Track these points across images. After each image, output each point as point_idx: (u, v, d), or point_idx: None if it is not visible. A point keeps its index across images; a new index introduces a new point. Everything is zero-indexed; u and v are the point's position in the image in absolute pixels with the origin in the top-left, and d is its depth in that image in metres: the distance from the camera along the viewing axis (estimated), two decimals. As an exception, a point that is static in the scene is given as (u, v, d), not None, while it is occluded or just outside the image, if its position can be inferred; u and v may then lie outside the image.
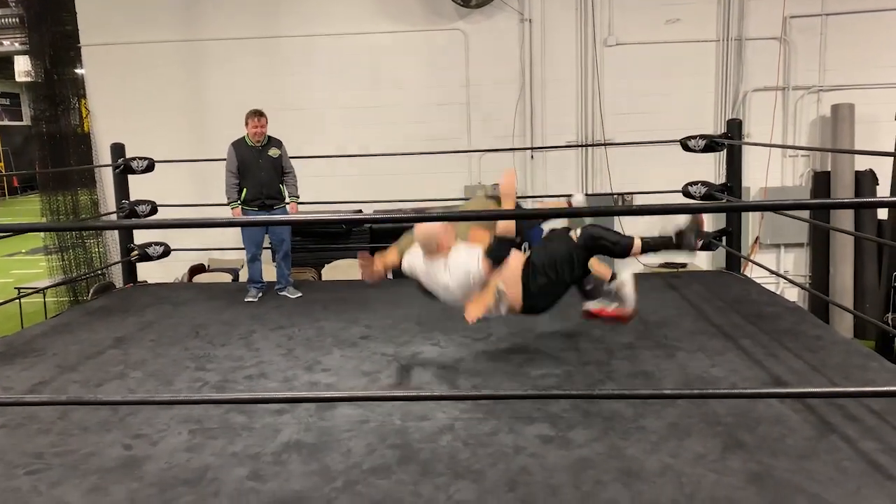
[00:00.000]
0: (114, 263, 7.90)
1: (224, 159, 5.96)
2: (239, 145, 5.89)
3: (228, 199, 5.86)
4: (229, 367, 4.26)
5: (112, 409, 3.59)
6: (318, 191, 8.09)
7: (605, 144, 8.32)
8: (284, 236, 6.07)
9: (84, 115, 9.06)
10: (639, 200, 8.11)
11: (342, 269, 8.03)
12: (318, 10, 8.63)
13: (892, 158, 7.04)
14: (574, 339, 4.51)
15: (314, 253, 8.29)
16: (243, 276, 8.18)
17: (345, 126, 8.64)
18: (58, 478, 2.97)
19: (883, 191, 7.78)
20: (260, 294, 6.01)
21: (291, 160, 6.14)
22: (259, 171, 5.84)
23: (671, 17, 8.35)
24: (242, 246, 6.21)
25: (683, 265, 8.30)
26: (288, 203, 6.03)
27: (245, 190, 5.84)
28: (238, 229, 8.53)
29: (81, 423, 3.47)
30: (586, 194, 6.00)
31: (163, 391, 3.92)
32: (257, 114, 5.86)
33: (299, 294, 5.99)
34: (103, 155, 8.46)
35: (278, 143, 6.02)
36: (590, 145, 8.48)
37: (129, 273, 6.80)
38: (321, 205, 7.66)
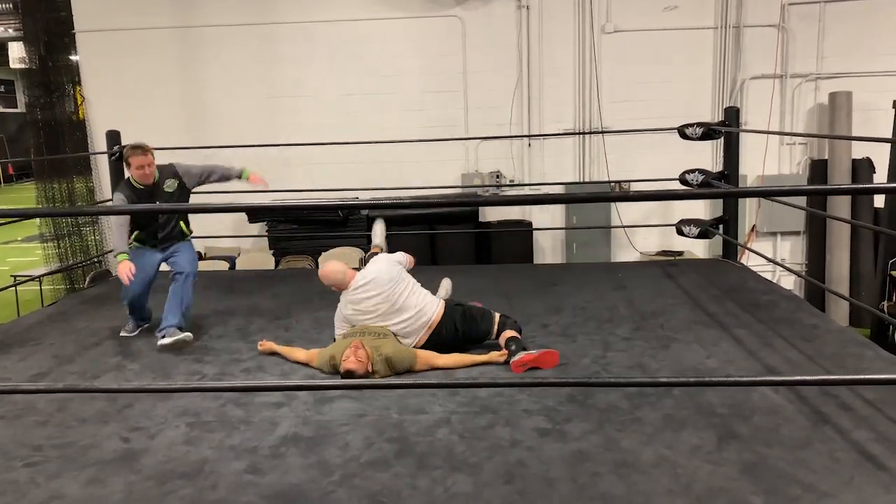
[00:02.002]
0: (110, 251, 7.87)
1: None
2: (125, 189, 4.61)
3: (115, 249, 4.48)
4: (227, 359, 4.26)
5: (110, 402, 3.60)
6: (315, 179, 8.09)
7: (602, 132, 8.30)
8: (186, 266, 4.70)
9: (79, 102, 9.00)
10: (636, 188, 8.11)
11: (340, 257, 8.04)
12: (314, -4, 8.57)
13: (889, 146, 7.04)
14: (570, 333, 4.52)
15: (311, 241, 8.29)
16: (240, 264, 8.19)
17: (341, 113, 8.60)
18: (56, 470, 2.98)
19: (880, 178, 7.78)
20: (139, 328, 4.81)
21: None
22: (156, 218, 4.67)
23: (669, 5, 8.30)
24: (199, 249, 5.13)
25: (680, 253, 8.32)
26: (244, 175, 4.97)
27: (136, 233, 4.65)
28: (236, 215, 8.52)
29: (79, 415, 3.47)
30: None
31: (161, 382, 3.93)
32: (139, 150, 4.54)
33: (186, 336, 4.43)
34: (99, 142, 8.43)
35: (172, 172, 4.75)
36: (587, 133, 8.46)
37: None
38: (317, 192, 7.65)
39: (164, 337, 4.39)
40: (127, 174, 4.70)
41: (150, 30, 8.61)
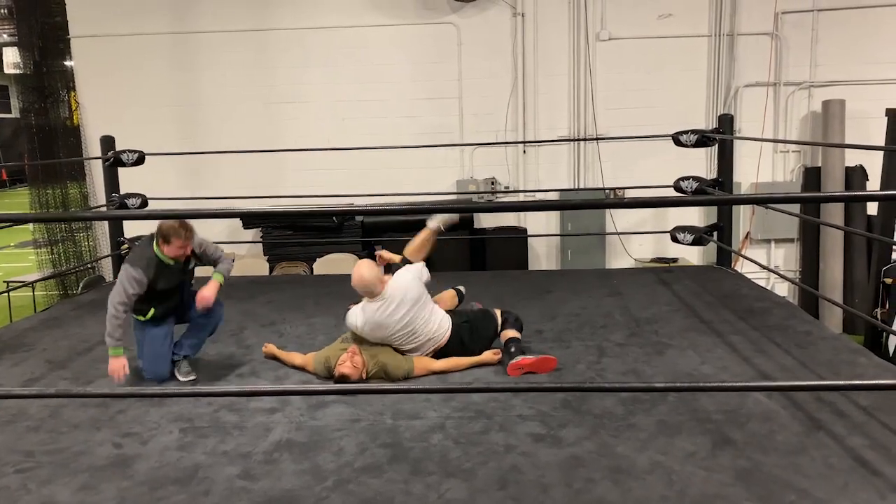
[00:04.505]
0: (104, 257, 7.86)
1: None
2: (150, 268, 3.92)
3: (109, 338, 3.84)
4: (220, 364, 4.25)
5: (102, 407, 3.58)
6: (310, 185, 8.08)
7: (597, 139, 8.32)
8: (216, 316, 4.21)
9: (73, 108, 8.99)
10: (630, 195, 8.12)
11: (334, 263, 8.03)
12: (309, 3, 8.58)
13: (881, 154, 7.07)
14: (565, 339, 4.52)
15: (306, 247, 8.27)
16: (234, 270, 8.14)
17: (337, 119, 8.60)
18: (48, 476, 2.96)
19: (873, 186, 7.81)
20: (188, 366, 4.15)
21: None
22: (179, 292, 4.15)
23: (663, 12, 8.34)
24: (208, 274, 4.22)
25: (674, 260, 8.34)
26: (211, 278, 4.16)
27: (153, 310, 4.06)
28: (230, 221, 8.50)
29: (72, 421, 3.46)
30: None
31: (154, 388, 3.91)
32: (187, 231, 3.97)
33: (192, 377, 4.08)
34: (93, 148, 8.40)
35: (195, 251, 4.19)
36: (582, 140, 8.48)
37: (119, 266, 6.75)
38: (312, 198, 7.64)
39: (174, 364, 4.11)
40: (153, 249, 3.98)
41: (146, 35, 8.61)
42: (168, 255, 3.97)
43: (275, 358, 4.27)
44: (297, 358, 4.19)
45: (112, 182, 6.65)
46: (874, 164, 7.48)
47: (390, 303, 3.92)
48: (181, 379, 4.04)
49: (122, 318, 3.84)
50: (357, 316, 4.01)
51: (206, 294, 4.02)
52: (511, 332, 4.10)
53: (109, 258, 6.94)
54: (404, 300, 3.94)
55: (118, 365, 3.79)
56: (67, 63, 8.97)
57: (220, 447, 3.15)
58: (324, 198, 7.57)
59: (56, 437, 3.31)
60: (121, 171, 6.63)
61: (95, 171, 8.40)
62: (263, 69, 8.68)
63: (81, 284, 6.79)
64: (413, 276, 4.12)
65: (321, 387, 3.85)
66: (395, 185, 8.05)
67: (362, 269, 3.97)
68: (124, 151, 6.48)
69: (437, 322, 4.07)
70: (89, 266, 8.54)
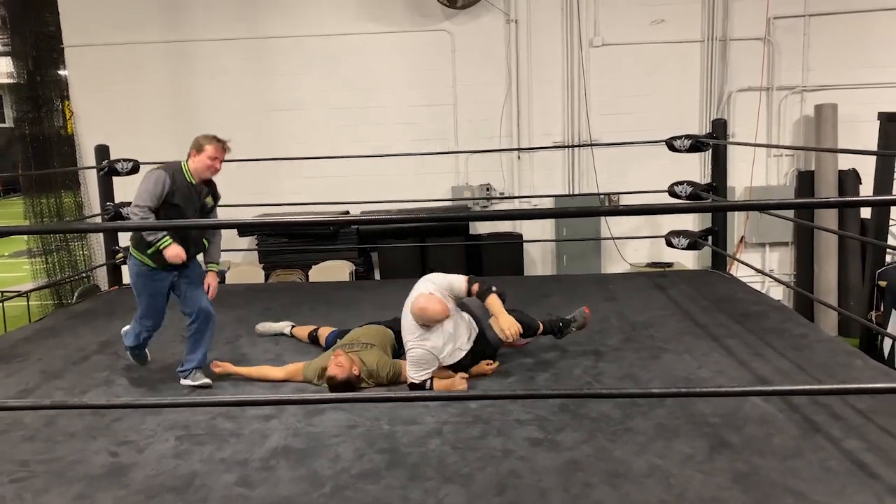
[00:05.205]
0: (98, 266, 7.83)
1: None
2: (172, 177, 3.88)
3: (154, 234, 3.82)
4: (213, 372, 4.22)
5: (98, 416, 3.56)
6: (306, 191, 8.08)
7: (591, 145, 8.35)
8: (206, 303, 4.05)
9: (68, 117, 8.97)
10: (625, 200, 8.15)
11: (330, 271, 8.02)
12: (304, 11, 8.60)
13: (874, 157, 7.11)
14: (561, 343, 4.52)
15: (302, 254, 8.26)
16: (230, 277, 8.16)
17: (332, 126, 8.61)
18: (43, 485, 2.94)
19: (866, 189, 7.85)
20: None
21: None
22: (190, 234, 4.01)
23: (656, 18, 8.38)
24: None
25: (670, 264, 8.35)
26: (207, 271, 4.16)
27: (163, 240, 3.83)
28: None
29: (67, 430, 3.44)
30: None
31: (149, 398, 3.89)
32: (222, 142, 3.97)
33: (208, 382, 4.01)
34: (88, 157, 8.39)
35: (214, 189, 4.17)
36: (576, 146, 8.51)
37: (115, 276, 6.75)
38: (309, 206, 7.65)
39: (186, 377, 4.00)
40: (182, 163, 3.95)
41: (140, 44, 8.61)
42: (195, 169, 3.94)
43: (232, 375, 4.10)
44: (274, 371, 4.10)
45: (106, 191, 6.64)
46: (867, 167, 7.52)
47: (443, 336, 3.90)
48: (195, 384, 3.97)
49: (149, 217, 3.80)
50: (411, 332, 3.90)
51: (211, 282, 4.11)
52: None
53: (104, 267, 6.93)
54: (453, 336, 3.94)
55: (176, 250, 3.82)
56: (61, 72, 8.96)
57: (217, 454, 3.14)
58: (319, 205, 7.58)
59: (51, 446, 3.29)
60: (116, 179, 6.63)
61: (90, 181, 8.38)
62: (258, 77, 8.68)
63: (76, 294, 6.76)
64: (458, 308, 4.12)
65: (318, 396, 3.83)
66: (391, 191, 8.06)
67: (432, 304, 3.83)
68: (119, 160, 6.48)
69: (457, 352, 3.99)
70: (84, 275, 8.50)
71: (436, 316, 3.81)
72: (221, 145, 3.96)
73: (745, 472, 2.85)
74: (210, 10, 8.60)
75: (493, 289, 4.04)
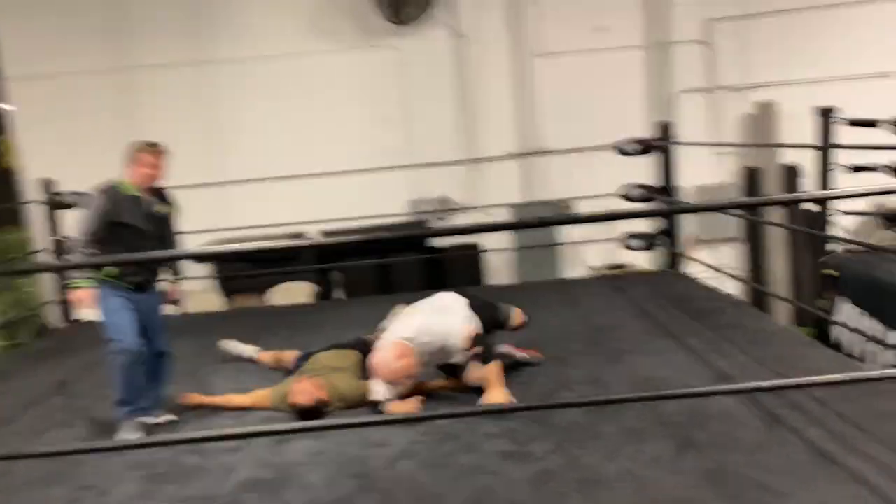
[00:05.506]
0: (48, 302, 7.60)
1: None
2: (109, 191, 3.74)
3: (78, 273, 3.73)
4: (179, 405, 4.13)
5: (57, 461, 3.44)
6: (261, 214, 7.98)
7: (542, 153, 8.44)
8: (165, 340, 3.96)
9: (6, 151, 8.70)
10: (580, 204, 8.24)
11: (291, 292, 7.93)
12: (249, 31, 8.52)
13: (814, 151, 7.34)
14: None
15: (260, 278, 8.14)
16: (189, 306, 7.99)
17: (285, 147, 8.52)
18: (2, 539, 2.83)
19: (807, 181, 8.08)
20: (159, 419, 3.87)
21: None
22: (142, 237, 3.72)
23: (599, 25, 8.53)
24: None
25: (627, 266, 8.48)
26: (171, 282, 4.07)
27: (77, 280, 3.72)
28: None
29: (26, 478, 3.31)
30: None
31: (110, 437, 3.78)
32: (154, 145, 3.82)
33: (174, 418, 3.89)
34: (33, 191, 8.15)
35: (165, 194, 4.00)
36: (528, 154, 8.59)
37: (68, 311, 6.56)
38: (263, 228, 7.55)
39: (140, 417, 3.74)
40: (119, 179, 3.78)
41: (84, 73, 8.41)
42: (134, 181, 3.76)
43: (202, 406, 4.02)
44: (240, 399, 4.03)
45: (53, 225, 6.47)
46: (807, 161, 7.75)
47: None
48: (159, 421, 3.80)
49: (85, 249, 3.63)
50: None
51: (175, 293, 4.07)
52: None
53: (56, 303, 6.73)
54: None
55: (84, 295, 3.66)
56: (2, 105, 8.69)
57: (183, 492, 3.07)
58: (275, 227, 7.49)
59: (9, 497, 3.17)
60: (64, 212, 6.46)
61: (37, 215, 8.13)
62: (206, 100, 8.56)
63: (28, 332, 6.55)
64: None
65: (285, 427, 3.75)
66: (347, 208, 8.00)
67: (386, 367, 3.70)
68: (63, 193, 6.32)
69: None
70: (34, 314, 8.23)
71: (391, 376, 3.67)
72: (156, 150, 3.81)
73: (714, 469, 2.90)
74: (153, 34, 8.46)
75: (497, 355, 3.78)
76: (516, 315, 4.25)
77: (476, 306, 4.03)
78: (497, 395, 3.64)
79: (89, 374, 4.85)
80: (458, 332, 3.75)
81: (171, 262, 4.10)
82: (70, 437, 3.83)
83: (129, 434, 3.65)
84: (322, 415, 3.73)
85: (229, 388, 4.31)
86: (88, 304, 3.70)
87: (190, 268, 8.34)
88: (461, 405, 3.79)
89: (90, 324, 6.47)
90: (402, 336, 3.73)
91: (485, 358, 3.71)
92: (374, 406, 3.83)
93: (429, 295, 4.22)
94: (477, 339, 3.74)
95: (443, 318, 3.83)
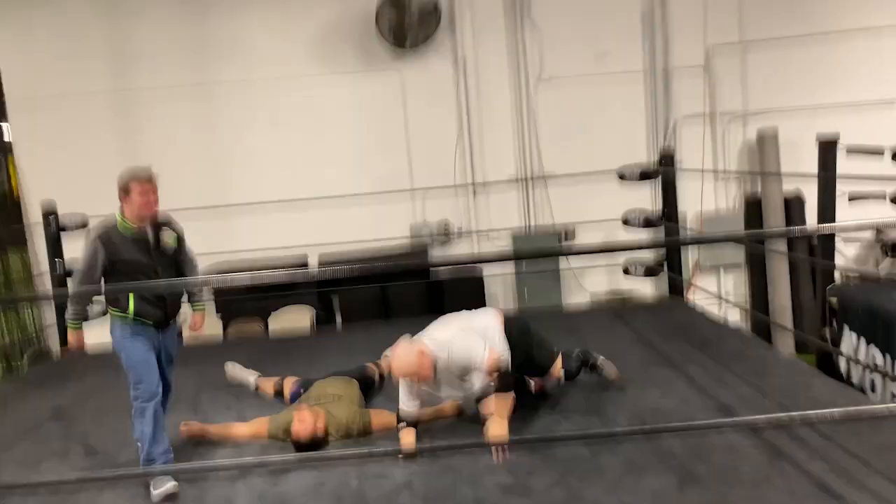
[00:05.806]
0: (48, 327, 7.59)
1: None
2: (106, 230, 3.59)
3: (73, 315, 3.65)
4: (177, 434, 4.09)
5: (53, 491, 3.41)
6: (263, 238, 8.00)
7: (544, 177, 8.47)
8: (168, 377, 3.78)
9: (11, 174, 8.74)
10: (581, 230, 8.25)
11: (290, 318, 7.89)
12: (252, 54, 8.58)
13: (816, 180, 7.34)
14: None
15: (260, 302, 8.11)
16: (187, 332, 7.97)
17: (286, 170, 8.55)
18: (-5, 572, 2.80)
19: (810, 210, 8.08)
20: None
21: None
22: (151, 272, 3.58)
23: (600, 51, 8.59)
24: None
25: (628, 292, 8.46)
26: (194, 311, 4.00)
27: (132, 303, 3.53)
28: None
29: (20, 509, 3.28)
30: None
31: (108, 467, 3.74)
32: (144, 174, 3.64)
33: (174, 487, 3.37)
34: (35, 213, 8.17)
35: (170, 224, 3.85)
36: (529, 179, 8.61)
37: (65, 336, 6.54)
38: (265, 250, 7.56)
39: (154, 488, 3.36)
40: (116, 215, 3.60)
41: (85, 94, 8.47)
42: (131, 215, 3.54)
43: (203, 436, 3.95)
44: (240, 428, 3.99)
45: (55, 248, 6.48)
46: (810, 190, 7.76)
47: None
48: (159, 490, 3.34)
49: (81, 292, 3.60)
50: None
51: (197, 321, 3.99)
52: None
53: (55, 328, 6.72)
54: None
55: (73, 338, 3.68)
56: (3, 126, 8.74)
57: (180, 525, 3.03)
58: (276, 249, 7.50)
59: (3, 527, 3.14)
60: (66, 235, 6.47)
61: (38, 237, 8.15)
62: (208, 123, 8.60)
63: (26, 358, 6.53)
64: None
65: (283, 457, 3.71)
66: (348, 232, 8.02)
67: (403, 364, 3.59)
68: (62, 214, 6.33)
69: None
70: (34, 338, 8.21)
71: (404, 370, 3.56)
72: (145, 178, 3.60)
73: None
74: (156, 56, 8.52)
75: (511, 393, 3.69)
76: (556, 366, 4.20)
77: (517, 336, 3.91)
78: (496, 427, 3.57)
79: (88, 401, 4.83)
80: (479, 357, 3.61)
81: (193, 291, 4.05)
82: (66, 466, 3.80)
83: (161, 487, 3.32)
84: (321, 446, 3.70)
85: (227, 418, 4.28)
86: (80, 346, 3.75)
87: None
88: (462, 437, 3.76)
89: (87, 349, 6.47)
90: (426, 343, 3.66)
91: (498, 388, 3.61)
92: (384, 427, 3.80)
93: (429, 319, 4.17)
94: (498, 367, 3.61)
95: (468, 341, 3.70)
